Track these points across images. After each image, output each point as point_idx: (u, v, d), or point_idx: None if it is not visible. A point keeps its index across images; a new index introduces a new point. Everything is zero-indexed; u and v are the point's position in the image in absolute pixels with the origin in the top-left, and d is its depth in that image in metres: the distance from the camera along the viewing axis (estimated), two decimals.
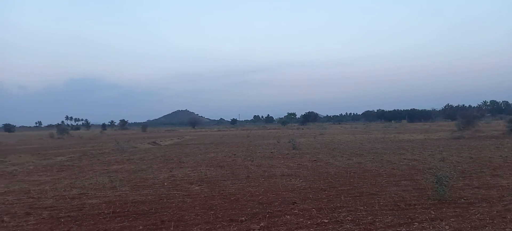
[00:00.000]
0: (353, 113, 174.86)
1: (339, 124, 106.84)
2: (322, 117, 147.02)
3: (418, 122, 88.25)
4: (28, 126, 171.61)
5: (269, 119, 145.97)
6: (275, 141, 27.85)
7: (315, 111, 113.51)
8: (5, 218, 6.32)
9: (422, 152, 16.52)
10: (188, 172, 11.81)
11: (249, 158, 15.66)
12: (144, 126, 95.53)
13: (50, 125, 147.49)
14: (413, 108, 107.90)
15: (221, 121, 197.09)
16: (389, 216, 5.91)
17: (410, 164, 12.46)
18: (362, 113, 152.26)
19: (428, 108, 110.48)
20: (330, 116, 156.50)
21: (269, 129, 71.61)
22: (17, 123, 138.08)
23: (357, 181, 9.34)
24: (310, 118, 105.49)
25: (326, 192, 8.02)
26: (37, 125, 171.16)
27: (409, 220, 5.68)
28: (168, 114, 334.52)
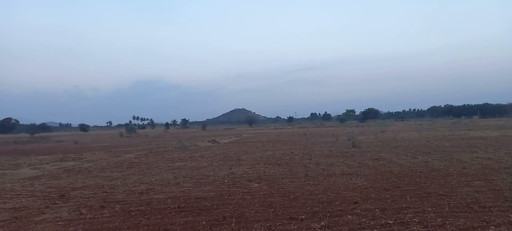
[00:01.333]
0: (417, 109, 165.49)
1: (402, 120, 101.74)
2: (383, 113, 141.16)
3: (491, 118, 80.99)
4: (100, 125, 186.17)
5: (326, 117, 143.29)
6: (334, 139, 27.27)
7: (375, 108, 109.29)
8: (82, 210, 6.91)
9: (497, 150, 15.14)
10: (247, 169, 11.99)
11: (307, 156, 15.50)
12: (203, 124, 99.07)
13: (119, 124, 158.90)
14: (486, 103, 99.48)
15: (277, 119, 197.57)
16: (461, 218, 5.49)
17: (484, 163, 11.48)
18: (428, 109, 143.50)
19: (504, 102, 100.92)
20: (391, 113, 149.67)
21: (327, 127, 70.34)
22: (90, 122, 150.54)
23: (424, 180, 8.81)
24: (370, 114, 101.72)
25: (390, 192, 7.68)
26: (108, 124, 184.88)
27: (484, 223, 5.23)
28: (226, 113, 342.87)
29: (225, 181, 9.83)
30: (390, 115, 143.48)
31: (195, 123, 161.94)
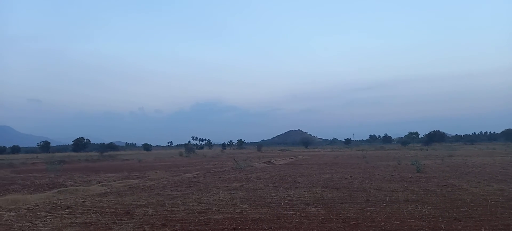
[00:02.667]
0: (490, 132, 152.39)
1: (472, 144, 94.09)
2: (450, 136, 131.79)
3: None
4: (162, 145, 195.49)
5: (387, 139, 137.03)
6: (395, 163, 25.89)
7: (441, 130, 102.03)
8: (145, 228, 7.18)
9: None
10: (304, 192, 11.74)
11: (367, 180, 14.84)
12: (259, 145, 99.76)
13: (179, 144, 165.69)
14: None
15: (334, 141, 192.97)
16: None
17: None
18: (501, 132, 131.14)
19: None
20: (459, 135, 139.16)
21: (387, 150, 67.17)
22: (153, 142, 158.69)
23: (501, 211, 7.96)
24: (436, 137, 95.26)
25: (461, 222, 7.03)
26: (169, 144, 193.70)
27: None
28: (281, 134, 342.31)
29: (282, 203, 9.70)
30: (458, 138, 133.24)
31: (251, 143, 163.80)
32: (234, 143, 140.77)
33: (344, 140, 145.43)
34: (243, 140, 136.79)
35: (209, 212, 8.62)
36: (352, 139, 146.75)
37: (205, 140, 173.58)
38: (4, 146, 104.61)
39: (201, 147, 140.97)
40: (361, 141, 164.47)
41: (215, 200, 10.51)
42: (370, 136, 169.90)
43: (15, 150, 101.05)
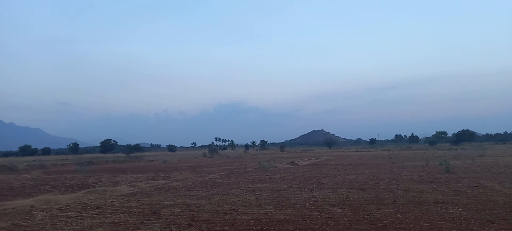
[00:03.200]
0: None
1: (504, 143, 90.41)
2: (480, 135, 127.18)
3: None
4: (186, 146, 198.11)
5: (413, 139, 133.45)
6: (423, 163, 25.22)
7: (470, 129, 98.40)
8: (172, 228, 7.30)
9: None
10: (329, 193, 11.62)
11: (393, 181, 14.52)
12: (282, 146, 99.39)
13: (202, 145, 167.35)
14: None
15: (358, 141, 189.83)
16: None
17: None
18: None
19: None
20: (490, 135, 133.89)
21: (414, 150, 65.52)
22: (177, 143, 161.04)
23: None
24: (465, 136, 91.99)
25: (494, 224, 6.78)
26: (193, 145, 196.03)
27: None
28: (304, 135, 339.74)
29: (307, 204, 9.63)
30: (489, 137, 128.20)
31: (273, 144, 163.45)
32: (257, 144, 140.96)
33: (368, 140, 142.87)
34: (265, 140, 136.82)
35: (234, 213, 8.67)
36: (377, 138, 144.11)
37: (228, 140, 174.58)
38: (35, 148, 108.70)
39: (224, 148, 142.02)
40: (387, 141, 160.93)
41: (239, 200, 10.56)
42: (396, 135, 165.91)
43: (46, 151, 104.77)
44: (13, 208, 10.13)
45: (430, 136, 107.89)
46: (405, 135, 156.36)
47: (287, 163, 30.97)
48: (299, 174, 19.59)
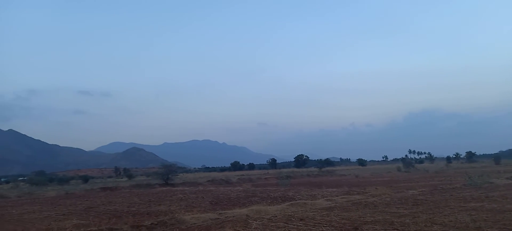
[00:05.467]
0: None
1: None
2: None
3: None
4: (376, 159, 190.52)
5: None
6: None
7: None
8: None
9: None
10: None
11: None
12: (496, 157, 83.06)
13: (395, 158, 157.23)
14: None
15: None
16: None
17: None
18: None
19: None
20: None
21: None
22: (366, 157, 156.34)
23: None
24: None
25: None
26: (384, 159, 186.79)
27: None
28: None
29: None
30: None
31: (484, 155, 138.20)
32: (461, 156, 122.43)
33: None
34: (473, 151, 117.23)
35: None
36: None
37: (425, 153, 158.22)
38: (243, 163, 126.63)
39: (420, 161, 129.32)
40: None
41: (451, 221, 9.25)
42: None
43: (251, 166, 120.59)
44: (233, 217, 11.88)
45: None
46: None
47: (507, 178, 25.51)
48: None
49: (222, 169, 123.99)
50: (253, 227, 9.81)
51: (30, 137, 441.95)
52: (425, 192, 18.09)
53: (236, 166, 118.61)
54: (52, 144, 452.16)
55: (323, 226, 9.33)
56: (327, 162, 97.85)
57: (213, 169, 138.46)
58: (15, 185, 51.44)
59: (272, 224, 10.10)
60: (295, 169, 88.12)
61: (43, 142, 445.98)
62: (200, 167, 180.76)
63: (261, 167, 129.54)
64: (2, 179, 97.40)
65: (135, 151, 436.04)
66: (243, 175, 58.55)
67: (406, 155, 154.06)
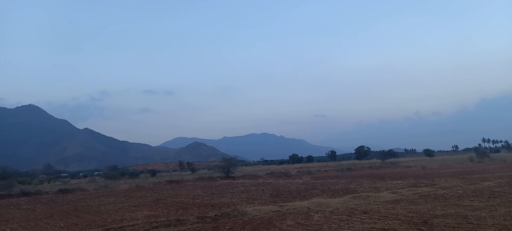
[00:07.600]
0: None
1: None
2: None
3: None
4: (445, 150, 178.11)
5: None
6: None
7: None
8: None
9: None
10: None
11: None
12: None
13: (466, 148, 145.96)
14: None
15: None
16: None
17: None
18: None
19: None
20: None
21: None
22: (434, 147, 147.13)
23: None
24: None
25: None
26: (454, 148, 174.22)
27: None
28: None
29: None
30: None
31: None
32: None
33: None
34: None
35: None
36: None
37: (501, 141, 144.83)
38: (301, 156, 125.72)
39: (496, 150, 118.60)
40: None
41: None
42: None
43: (310, 159, 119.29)
44: (294, 209, 11.87)
45: None
46: None
47: None
48: None
49: (281, 162, 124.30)
50: (315, 219, 9.73)
51: (103, 135, 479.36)
52: (502, 183, 16.59)
53: (294, 159, 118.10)
54: (123, 141, 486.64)
55: (389, 220, 8.96)
56: (391, 153, 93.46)
57: (272, 162, 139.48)
58: (92, 179, 56.15)
59: (335, 216, 9.93)
60: (356, 161, 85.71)
61: (114, 139, 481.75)
62: (258, 160, 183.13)
63: (320, 159, 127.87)
64: (81, 174, 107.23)
65: (197, 146, 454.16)
66: (302, 167, 58.19)
67: (479, 144, 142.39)
